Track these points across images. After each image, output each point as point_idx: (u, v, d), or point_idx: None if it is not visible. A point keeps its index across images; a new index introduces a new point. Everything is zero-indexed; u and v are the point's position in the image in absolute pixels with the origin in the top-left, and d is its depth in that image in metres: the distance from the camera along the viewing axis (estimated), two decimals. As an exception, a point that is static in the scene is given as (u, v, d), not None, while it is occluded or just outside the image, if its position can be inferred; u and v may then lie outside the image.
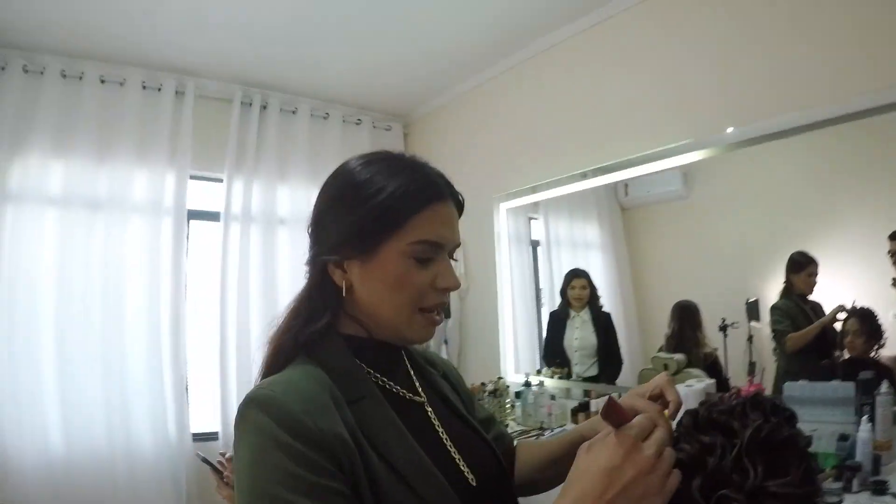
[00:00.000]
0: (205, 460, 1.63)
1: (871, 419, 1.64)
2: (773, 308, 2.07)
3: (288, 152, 3.08)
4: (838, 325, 1.90)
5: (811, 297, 1.97)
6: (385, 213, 0.69)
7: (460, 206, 0.76)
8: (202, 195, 2.98)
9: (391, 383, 0.76)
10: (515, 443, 0.97)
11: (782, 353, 2.03)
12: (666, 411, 0.71)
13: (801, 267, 1.98)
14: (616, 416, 0.58)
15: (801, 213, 2.03)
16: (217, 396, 2.86)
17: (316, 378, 0.68)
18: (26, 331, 2.42)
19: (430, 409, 0.80)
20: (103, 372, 2.55)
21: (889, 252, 1.70)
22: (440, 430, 0.78)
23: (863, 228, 1.85)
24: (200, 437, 2.85)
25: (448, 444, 0.77)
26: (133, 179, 2.63)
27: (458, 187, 0.76)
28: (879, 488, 1.50)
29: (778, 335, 2.05)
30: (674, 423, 0.68)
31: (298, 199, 3.13)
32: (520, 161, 2.89)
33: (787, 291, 2.02)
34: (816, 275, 1.95)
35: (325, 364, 0.70)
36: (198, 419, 2.85)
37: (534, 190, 2.81)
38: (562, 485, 0.60)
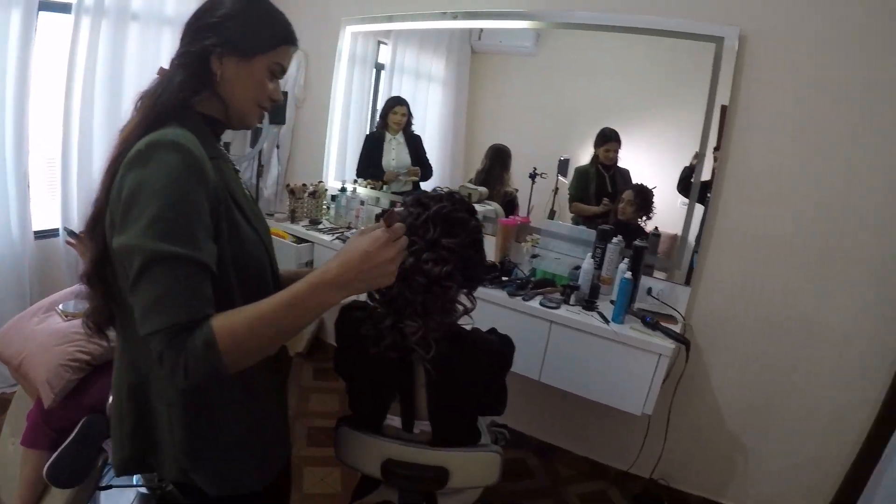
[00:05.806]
0: (71, 233, 1.87)
1: (597, 258, 2.07)
2: (576, 170, 2.40)
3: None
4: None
5: (622, 167, 2.28)
6: (273, 34, 0.92)
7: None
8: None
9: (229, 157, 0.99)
10: None
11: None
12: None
13: (603, 141, 2.29)
14: (388, 220, 0.81)
15: (621, 98, 2.32)
16: (58, 194, 2.78)
17: (191, 137, 0.81)
18: None
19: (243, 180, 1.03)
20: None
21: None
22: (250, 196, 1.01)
23: (668, 123, 2.20)
24: (41, 235, 2.78)
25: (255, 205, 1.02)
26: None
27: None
28: (589, 306, 1.95)
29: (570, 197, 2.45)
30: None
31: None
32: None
33: (593, 160, 2.33)
34: (615, 151, 2.27)
35: (192, 128, 0.84)
36: (39, 217, 2.75)
37: (389, 19, 2.85)
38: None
